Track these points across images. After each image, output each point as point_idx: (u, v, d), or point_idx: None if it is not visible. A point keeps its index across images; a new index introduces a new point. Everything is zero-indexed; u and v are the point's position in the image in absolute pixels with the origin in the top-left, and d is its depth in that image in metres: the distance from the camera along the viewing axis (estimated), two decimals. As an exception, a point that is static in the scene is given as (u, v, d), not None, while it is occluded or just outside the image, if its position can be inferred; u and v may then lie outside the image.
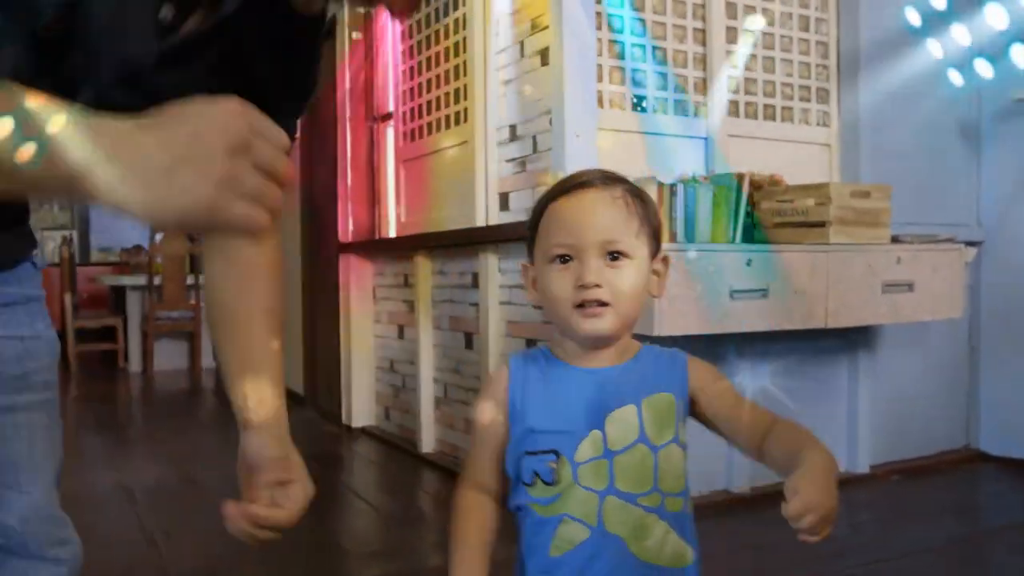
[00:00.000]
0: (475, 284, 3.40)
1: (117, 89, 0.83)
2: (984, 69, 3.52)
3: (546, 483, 1.02)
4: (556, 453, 1.02)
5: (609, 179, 1.05)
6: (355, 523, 3.17)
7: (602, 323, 0.99)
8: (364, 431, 4.37)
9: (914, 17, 3.36)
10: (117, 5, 0.81)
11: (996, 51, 3.49)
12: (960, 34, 3.48)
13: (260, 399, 1.01)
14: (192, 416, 5.51)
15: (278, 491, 0.96)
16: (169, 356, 6.93)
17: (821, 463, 0.88)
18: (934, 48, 3.43)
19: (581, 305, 0.99)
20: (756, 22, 3.19)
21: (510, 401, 1.06)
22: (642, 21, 3.01)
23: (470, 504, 1.08)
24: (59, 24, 0.77)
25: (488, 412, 1.08)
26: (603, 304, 0.99)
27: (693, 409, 1.05)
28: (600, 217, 1.00)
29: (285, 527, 0.95)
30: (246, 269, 1.04)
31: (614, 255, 0.99)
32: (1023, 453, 3.48)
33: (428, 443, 3.78)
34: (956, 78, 3.51)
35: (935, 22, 3.42)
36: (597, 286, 0.98)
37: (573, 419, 1.02)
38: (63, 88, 0.73)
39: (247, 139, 0.64)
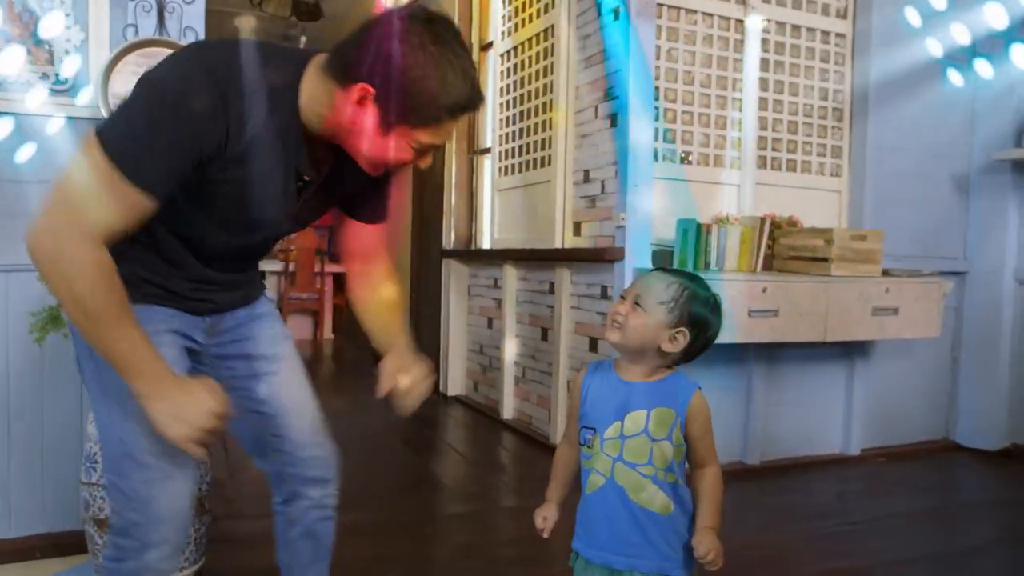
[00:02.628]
0: (551, 291, 3.64)
1: (268, 224, 1.30)
2: (976, 126, 3.75)
3: (587, 447, 1.35)
4: (594, 429, 1.35)
5: (677, 273, 1.36)
6: (450, 468, 3.42)
7: (613, 334, 1.33)
8: (457, 399, 4.61)
9: (916, 90, 3.56)
10: (271, 178, 1.21)
11: (987, 108, 3.72)
12: (959, 96, 3.69)
13: (395, 331, 1.48)
14: (315, 376, 5.94)
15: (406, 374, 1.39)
16: (297, 328, 7.22)
17: (714, 526, 1.30)
18: (933, 112, 3.63)
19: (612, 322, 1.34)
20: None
21: (582, 391, 1.39)
22: (692, 93, 3.27)
23: (562, 450, 1.46)
24: (215, 172, 1.14)
25: (573, 396, 1.41)
26: (618, 325, 1.33)
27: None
28: (644, 284, 1.35)
29: (421, 393, 1.39)
30: (375, 282, 1.53)
31: (635, 304, 1.32)
32: (990, 445, 3.66)
33: (508, 411, 4.04)
34: (951, 137, 3.75)
35: (937, 89, 3.62)
36: (619, 313, 1.33)
37: (608, 411, 1.34)
38: (215, 219, 1.23)
39: (204, 423, 1.15)
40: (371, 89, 1.12)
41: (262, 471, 1.54)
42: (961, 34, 3.59)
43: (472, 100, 1.18)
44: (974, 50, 3.68)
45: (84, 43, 2.22)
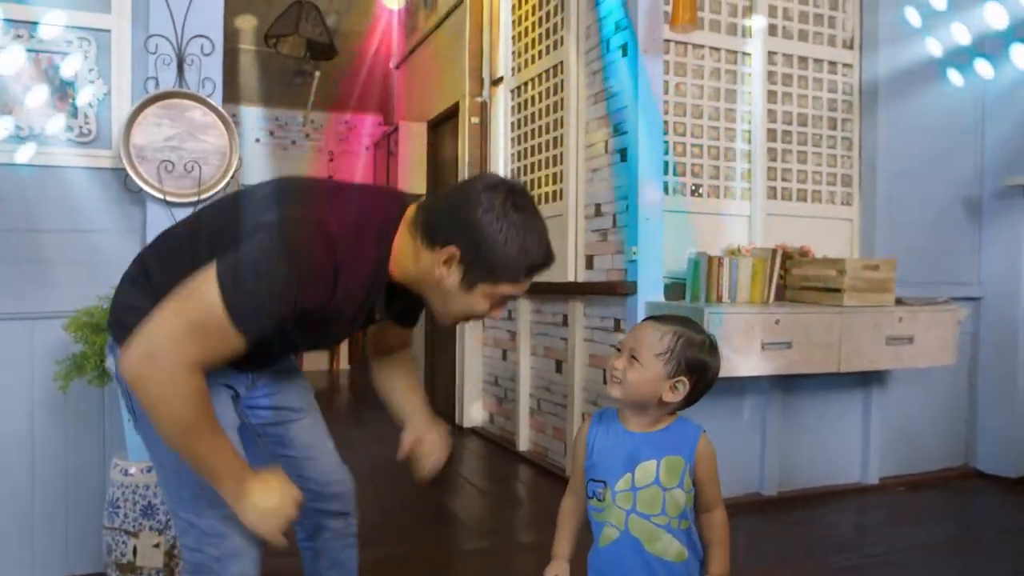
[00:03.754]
0: (565, 323, 3.67)
1: (334, 340, 1.48)
2: (987, 150, 3.76)
3: (598, 500, 1.37)
4: (604, 482, 1.36)
5: (669, 320, 1.38)
6: (466, 503, 3.42)
7: (614, 390, 1.36)
8: (473, 431, 4.63)
9: (925, 117, 3.58)
10: (351, 316, 1.35)
11: (998, 133, 3.73)
12: (969, 121, 3.72)
13: (416, 404, 1.63)
14: (331, 407, 5.95)
15: (428, 443, 1.54)
16: (313, 360, 7.16)
17: (724, 573, 1.36)
18: (943, 138, 3.65)
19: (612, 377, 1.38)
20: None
21: (587, 444, 1.41)
22: (700, 126, 3.31)
23: (568, 503, 1.47)
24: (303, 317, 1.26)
25: (579, 448, 1.45)
26: (618, 380, 1.35)
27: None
28: (638, 337, 1.37)
29: (438, 461, 1.54)
30: (397, 366, 1.69)
31: (632, 358, 1.35)
32: (1012, 472, 3.62)
33: (524, 443, 4.05)
34: (962, 162, 3.75)
35: (946, 115, 3.65)
36: (616, 368, 1.36)
37: (616, 463, 1.36)
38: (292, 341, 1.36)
39: (290, 512, 1.26)
40: (458, 252, 1.26)
41: None
42: (970, 56, 3.61)
43: (547, 259, 1.34)
44: (985, 62, 3.68)
45: (107, 96, 2.30)
